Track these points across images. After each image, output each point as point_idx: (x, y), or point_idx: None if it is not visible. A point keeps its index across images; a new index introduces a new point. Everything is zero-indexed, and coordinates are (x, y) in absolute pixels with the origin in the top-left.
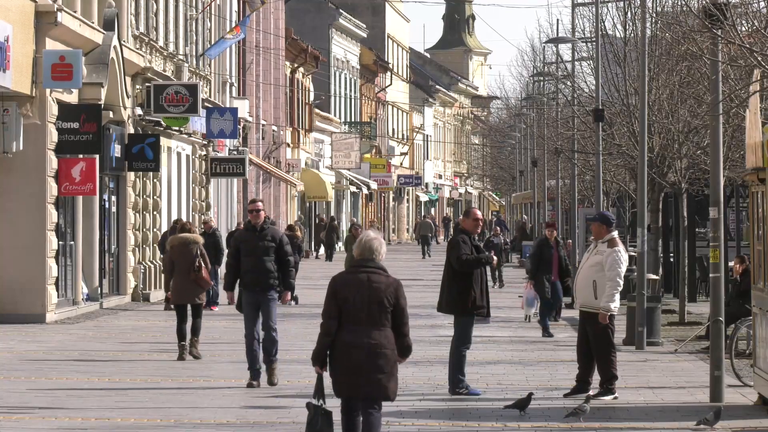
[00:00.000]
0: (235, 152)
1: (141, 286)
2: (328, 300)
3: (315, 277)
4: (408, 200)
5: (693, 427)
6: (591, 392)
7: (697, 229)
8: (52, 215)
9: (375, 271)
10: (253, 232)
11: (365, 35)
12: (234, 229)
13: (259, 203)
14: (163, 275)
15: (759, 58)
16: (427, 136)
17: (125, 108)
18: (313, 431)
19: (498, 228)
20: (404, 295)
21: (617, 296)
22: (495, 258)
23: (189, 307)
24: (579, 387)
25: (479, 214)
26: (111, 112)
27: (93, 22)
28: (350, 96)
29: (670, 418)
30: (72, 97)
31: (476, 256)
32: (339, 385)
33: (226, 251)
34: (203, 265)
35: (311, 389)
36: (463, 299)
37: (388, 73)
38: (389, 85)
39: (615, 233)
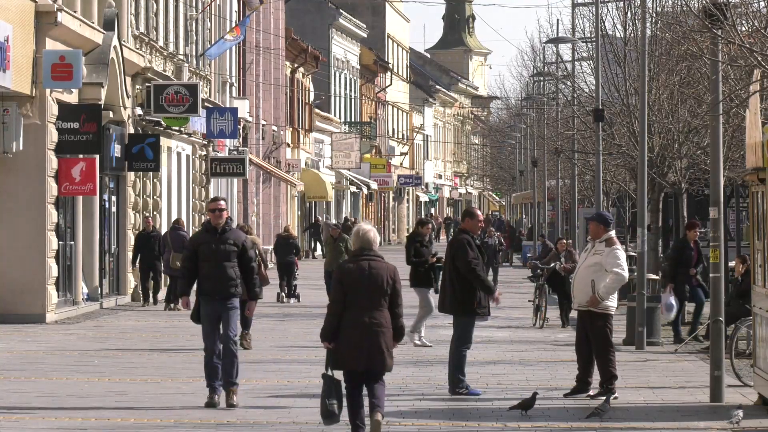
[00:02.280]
0: (235, 152)
1: (141, 286)
2: (334, 285)
3: (315, 277)
4: (408, 200)
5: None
6: (591, 392)
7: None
8: (52, 215)
9: (374, 258)
10: (213, 234)
11: (365, 35)
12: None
13: (222, 202)
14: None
15: (759, 58)
16: (427, 136)
17: (125, 108)
18: (327, 398)
19: (492, 229)
20: (400, 279)
21: (616, 295)
22: (499, 298)
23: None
24: (579, 387)
25: (481, 215)
26: (111, 112)
27: (93, 22)
28: (350, 96)
29: (670, 418)
30: (72, 97)
31: (484, 278)
32: (342, 358)
33: None
34: (262, 264)
35: (311, 389)
36: (468, 300)
37: (388, 73)
38: (389, 85)
39: (612, 232)
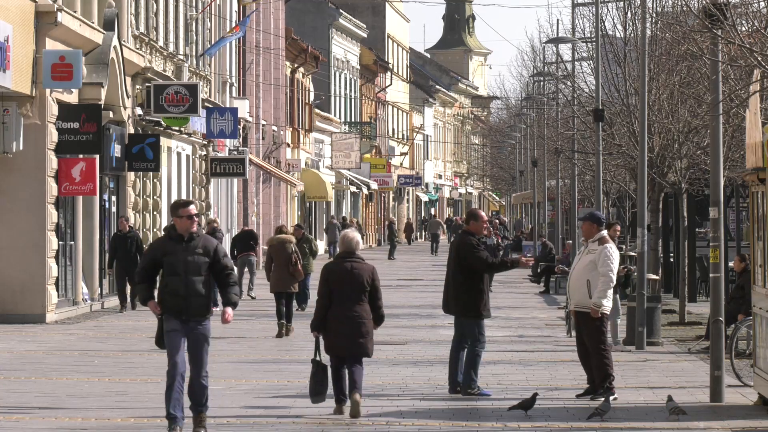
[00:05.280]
0: (235, 152)
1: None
2: (321, 283)
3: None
4: (408, 200)
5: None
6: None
7: (697, 229)
8: (52, 215)
9: (356, 260)
10: (179, 242)
11: (365, 35)
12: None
13: (192, 207)
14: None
15: (759, 58)
16: (427, 136)
17: (125, 108)
18: (315, 381)
19: (489, 229)
20: (378, 277)
21: (610, 294)
22: (529, 259)
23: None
24: (592, 388)
25: (485, 217)
26: (111, 112)
27: (93, 22)
28: (350, 96)
29: (670, 418)
30: (72, 97)
31: (503, 259)
32: (330, 345)
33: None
34: (298, 260)
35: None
36: (474, 302)
37: (388, 73)
38: (389, 85)
39: (604, 232)
